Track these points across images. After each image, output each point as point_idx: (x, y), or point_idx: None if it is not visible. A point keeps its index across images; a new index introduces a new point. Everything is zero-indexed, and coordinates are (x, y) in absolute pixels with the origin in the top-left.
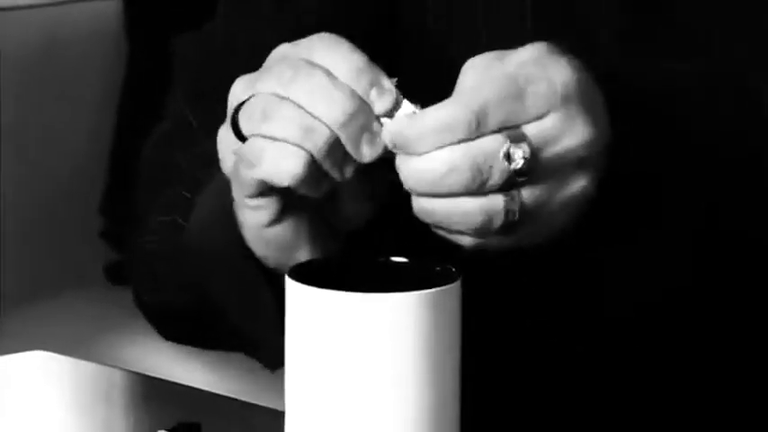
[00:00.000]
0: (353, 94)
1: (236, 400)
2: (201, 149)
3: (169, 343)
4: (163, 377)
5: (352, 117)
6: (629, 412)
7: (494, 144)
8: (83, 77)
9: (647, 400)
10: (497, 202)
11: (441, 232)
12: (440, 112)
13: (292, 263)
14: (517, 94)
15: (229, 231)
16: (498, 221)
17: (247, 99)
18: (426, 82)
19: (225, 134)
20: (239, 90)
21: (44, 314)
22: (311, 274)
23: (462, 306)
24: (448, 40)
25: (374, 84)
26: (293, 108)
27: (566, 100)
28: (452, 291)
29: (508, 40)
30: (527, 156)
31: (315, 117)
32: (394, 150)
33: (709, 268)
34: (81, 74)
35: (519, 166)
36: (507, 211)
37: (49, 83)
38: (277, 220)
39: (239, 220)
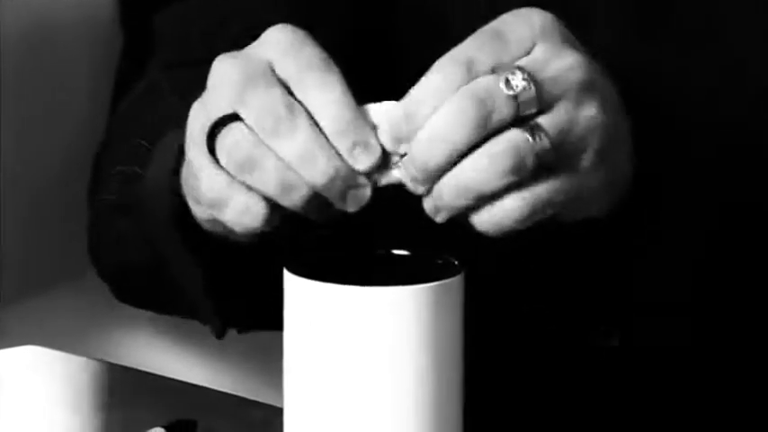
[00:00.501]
0: (336, 155)
1: (233, 396)
2: (168, 107)
3: (165, 338)
4: (158, 372)
5: (333, 179)
6: (633, 409)
7: (489, 79)
8: (76, 68)
9: (651, 399)
10: (518, 134)
11: (480, 218)
12: (428, 76)
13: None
14: (497, 36)
15: (172, 194)
16: (529, 156)
17: (224, 118)
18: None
19: (198, 109)
20: (225, 83)
21: (36, 308)
22: (310, 268)
23: (465, 300)
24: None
25: (358, 142)
26: (275, 162)
27: (547, 35)
28: (454, 284)
29: None
30: (526, 77)
31: (296, 173)
32: (396, 150)
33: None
34: (74, 64)
35: (520, 87)
36: (534, 142)
37: (42, 73)
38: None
39: (185, 177)
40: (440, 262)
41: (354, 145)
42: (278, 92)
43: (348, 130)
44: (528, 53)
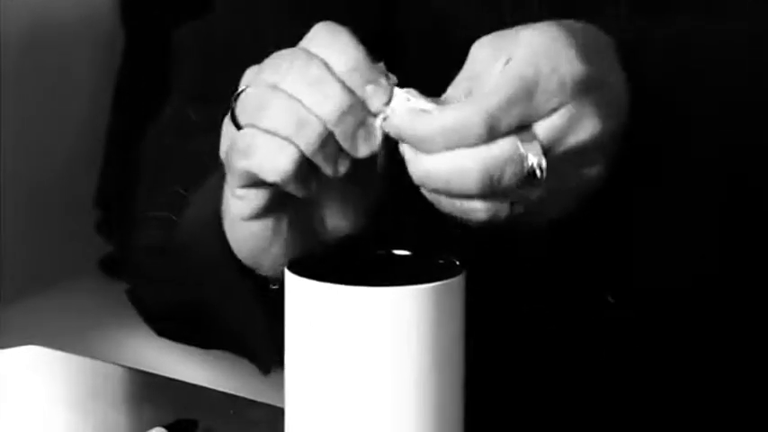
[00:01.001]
0: (348, 89)
1: (234, 396)
2: (199, 145)
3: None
4: (160, 373)
5: (345, 113)
6: (635, 410)
7: (505, 149)
8: (76, 67)
9: (653, 398)
10: (502, 205)
11: (446, 205)
12: (453, 114)
13: (262, 262)
14: (529, 94)
15: (220, 234)
16: (503, 215)
17: (245, 88)
18: (431, 64)
19: (226, 124)
20: (247, 79)
21: (38, 308)
22: (311, 268)
23: (466, 301)
24: (454, 19)
25: (370, 80)
26: (287, 100)
27: (576, 94)
28: (456, 285)
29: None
30: (540, 164)
31: (308, 110)
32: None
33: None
34: (75, 64)
35: (533, 169)
36: (511, 209)
37: (42, 72)
38: (257, 215)
39: (224, 208)
40: (441, 262)
41: (367, 81)
42: (297, 48)
43: (360, 66)
44: (551, 114)
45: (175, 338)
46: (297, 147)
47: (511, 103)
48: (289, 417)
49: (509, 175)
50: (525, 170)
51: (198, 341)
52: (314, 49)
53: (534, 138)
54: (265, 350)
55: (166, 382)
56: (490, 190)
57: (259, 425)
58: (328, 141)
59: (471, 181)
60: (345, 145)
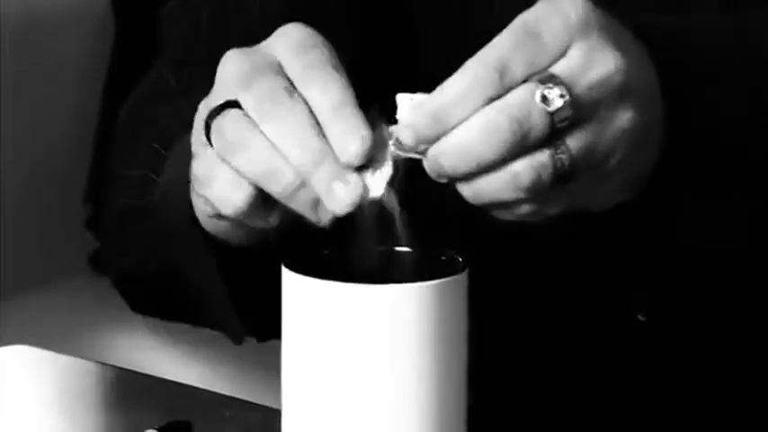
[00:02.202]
0: (326, 143)
1: (228, 397)
2: (178, 107)
3: (158, 338)
4: (152, 373)
5: (319, 165)
6: (638, 411)
7: (525, 92)
8: (66, 61)
9: (656, 399)
10: (542, 156)
11: (496, 211)
12: (458, 78)
13: (227, 238)
14: (532, 35)
15: (187, 199)
16: (547, 175)
17: (224, 104)
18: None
19: (204, 104)
20: (227, 71)
21: (27, 307)
22: (310, 265)
23: (469, 298)
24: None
25: (349, 131)
26: (264, 147)
27: (584, 30)
28: (458, 282)
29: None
30: (563, 93)
31: (285, 158)
32: (417, 153)
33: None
34: (64, 57)
35: (558, 105)
36: (555, 162)
37: (34, 65)
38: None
39: (192, 178)
40: (443, 258)
41: (343, 134)
42: (281, 81)
43: (340, 116)
44: (564, 53)
45: (150, 311)
46: (252, 186)
47: (515, 47)
48: (285, 418)
49: (538, 117)
50: (553, 108)
51: (169, 312)
52: (304, 88)
53: (552, 77)
54: (233, 319)
55: (159, 383)
56: (523, 138)
57: (254, 427)
58: (303, 190)
59: (501, 133)
60: (321, 197)
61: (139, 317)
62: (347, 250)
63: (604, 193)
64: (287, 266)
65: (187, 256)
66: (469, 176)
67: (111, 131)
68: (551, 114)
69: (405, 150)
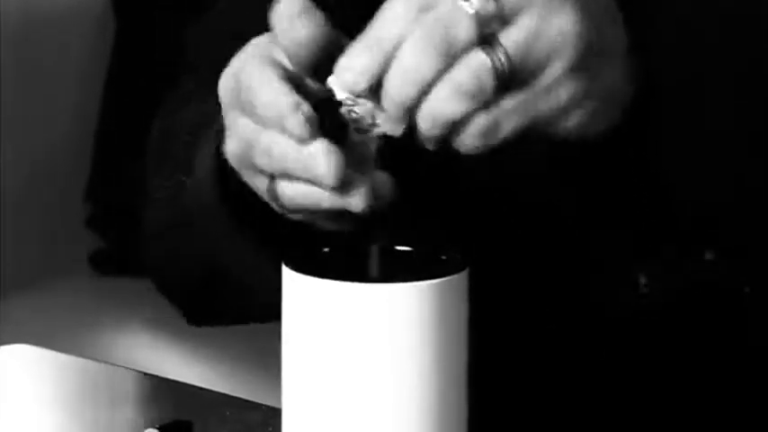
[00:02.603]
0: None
1: (228, 396)
2: (197, 109)
3: (159, 337)
4: (153, 372)
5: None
6: (640, 410)
7: (446, 2)
8: (66, 58)
9: (658, 399)
10: (477, 58)
11: (460, 138)
12: (387, 10)
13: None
14: None
15: (224, 185)
16: (487, 74)
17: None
18: None
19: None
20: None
21: (28, 306)
22: (310, 263)
23: (470, 297)
24: None
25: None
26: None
27: None
28: (459, 281)
29: None
30: None
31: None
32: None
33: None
34: (64, 55)
35: (479, 3)
36: (492, 60)
37: (30, 64)
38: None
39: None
40: (444, 257)
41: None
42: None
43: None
44: None
45: (207, 320)
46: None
47: None
48: (286, 417)
49: (463, 30)
50: (475, 6)
51: (224, 316)
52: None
53: None
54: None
55: (160, 382)
56: (453, 49)
57: (254, 426)
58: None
59: (432, 49)
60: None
61: (139, 316)
62: (347, 249)
63: (556, 111)
64: (287, 265)
65: (231, 254)
66: (419, 101)
67: (111, 130)
68: (476, 13)
69: (360, 124)
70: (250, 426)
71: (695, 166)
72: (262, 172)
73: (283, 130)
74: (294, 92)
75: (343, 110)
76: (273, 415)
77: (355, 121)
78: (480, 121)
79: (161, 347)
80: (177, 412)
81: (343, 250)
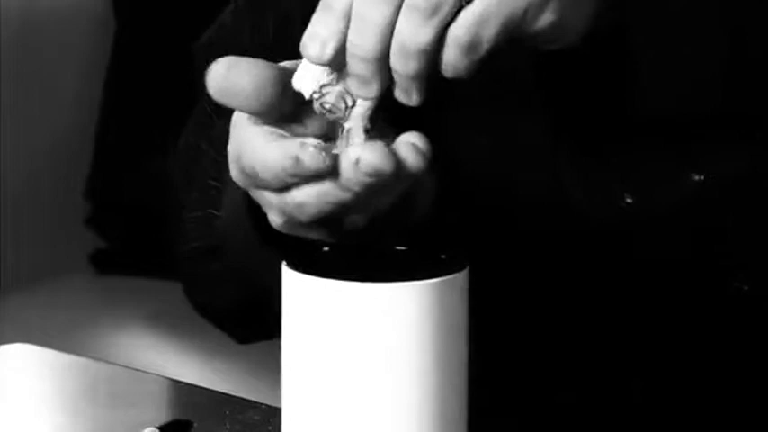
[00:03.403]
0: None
1: (228, 395)
2: (218, 131)
3: (159, 336)
4: (153, 371)
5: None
6: (641, 409)
7: None
8: (66, 57)
9: (661, 397)
10: None
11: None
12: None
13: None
14: None
15: (250, 213)
16: None
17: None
18: None
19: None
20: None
21: (28, 305)
22: (309, 263)
23: (470, 297)
24: None
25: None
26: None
27: None
28: (459, 280)
29: None
30: None
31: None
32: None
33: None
34: (65, 53)
35: None
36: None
37: (31, 62)
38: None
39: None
40: (444, 257)
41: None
42: None
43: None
44: None
45: (254, 337)
46: None
47: None
48: (286, 416)
49: None
50: None
51: (272, 331)
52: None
53: None
54: None
55: (160, 381)
56: None
57: (254, 425)
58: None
59: None
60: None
61: (139, 315)
62: (347, 248)
63: (544, 14)
64: (287, 264)
65: (267, 281)
66: (383, 50)
67: (111, 129)
68: None
69: (337, 110)
70: (250, 425)
71: (674, 78)
72: (267, 187)
73: (301, 178)
74: (283, 138)
75: (316, 106)
76: (273, 414)
77: (330, 111)
78: (459, 34)
79: (161, 346)
80: (177, 411)
81: (343, 250)
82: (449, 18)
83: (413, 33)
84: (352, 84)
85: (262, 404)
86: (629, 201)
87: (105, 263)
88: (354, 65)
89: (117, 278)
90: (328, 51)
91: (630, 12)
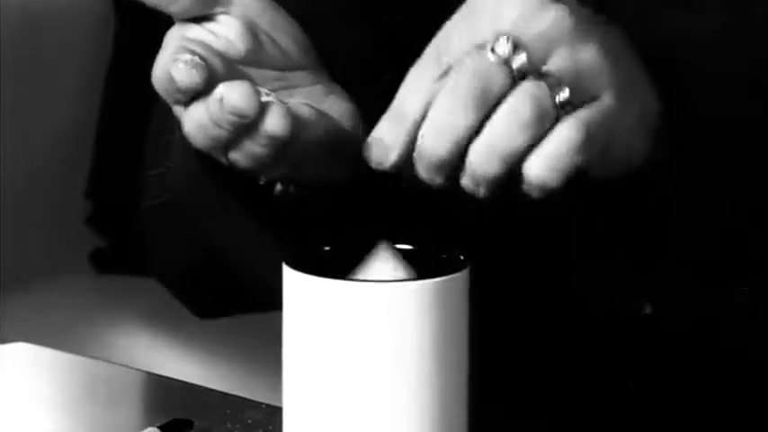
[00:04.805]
0: None
1: (229, 395)
2: None
3: (159, 335)
4: (153, 371)
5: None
6: (641, 410)
7: (473, 53)
8: (67, 56)
9: (661, 398)
10: (530, 83)
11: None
12: (409, 77)
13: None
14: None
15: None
16: (547, 98)
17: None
18: None
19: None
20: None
21: (27, 305)
22: (310, 262)
23: (471, 296)
24: None
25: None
26: None
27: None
28: (460, 279)
29: None
30: (510, 41)
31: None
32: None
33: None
34: (65, 52)
35: (508, 51)
36: (546, 81)
37: (31, 62)
38: None
39: None
40: (445, 256)
41: None
42: None
43: None
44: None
45: (214, 311)
46: None
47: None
48: (287, 415)
49: (496, 76)
50: (505, 56)
51: (229, 305)
52: None
53: (496, 36)
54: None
55: (160, 381)
56: (490, 102)
57: (255, 424)
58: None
59: (468, 100)
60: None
61: (139, 314)
62: (348, 247)
63: (615, 141)
64: (287, 263)
65: (222, 233)
66: (457, 156)
67: (111, 128)
68: (506, 61)
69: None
70: (250, 424)
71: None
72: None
73: (176, 89)
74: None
75: None
76: (274, 413)
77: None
78: (569, 135)
79: (161, 346)
80: (177, 411)
81: (344, 248)
82: (544, 131)
83: (505, 136)
84: (419, 171)
85: (262, 404)
86: (648, 311)
87: (105, 262)
88: (422, 164)
89: (117, 277)
90: (392, 159)
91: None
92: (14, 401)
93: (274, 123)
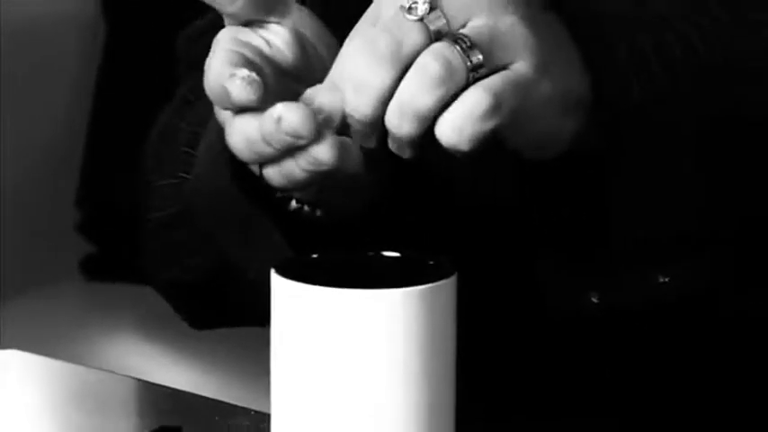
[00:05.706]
0: None
1: (219, 402)
2: (197, 110)
3: (150, 342)
4: (143, 378)
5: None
6: (633, 410)
7: (392, 13)
8: (56, 62)
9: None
10: (441, 44)
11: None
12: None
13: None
14: None
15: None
16: (457, 57)
17: None
18: None
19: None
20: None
21: (17, 311)
22: (298, 270)
23: (458, 303)
24: None
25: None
26: None
27: None
28: (447, 286)
29: None
30: (427, 1)
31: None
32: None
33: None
34: (55, 59)
35: (423, 10)
36: (459, 45)
37: (20, 68)
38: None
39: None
40: (432, 263)
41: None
42: None
43: None
44: None
45: (208, 324)
46: None
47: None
48: (275, 422)
49: (411, 34)
50: (420, 16)
51: (229, 317)
52: None
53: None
54: None
55: (150, 388)
56: (404, 58)
57: (244, 431)
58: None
59: (382, 58)
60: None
61: (128, 320)
62: (336, 255)
63: (530, 113)
64: (276, 271)
65: (233, 254)
66: (380, 113)
67: (102, 135)
68: (421, 19)
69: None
70: (239, 431)
71: (647, 200)
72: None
73: (230, 102)
74: (239, 65)
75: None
76: (262, 420)
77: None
78: (478, 98)
79: (151, 353)
80: (167, 418)
81: (332, 256)
82: (453, 91)
83: (416, 95)
84: (354, 134)
85: (251, 410)
86: (595, 300)
87: (96, 269)
88: (352, 122)
89: (107, 285)
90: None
91: (612, 141)
92: (5, 408)
93: (325, 152)
